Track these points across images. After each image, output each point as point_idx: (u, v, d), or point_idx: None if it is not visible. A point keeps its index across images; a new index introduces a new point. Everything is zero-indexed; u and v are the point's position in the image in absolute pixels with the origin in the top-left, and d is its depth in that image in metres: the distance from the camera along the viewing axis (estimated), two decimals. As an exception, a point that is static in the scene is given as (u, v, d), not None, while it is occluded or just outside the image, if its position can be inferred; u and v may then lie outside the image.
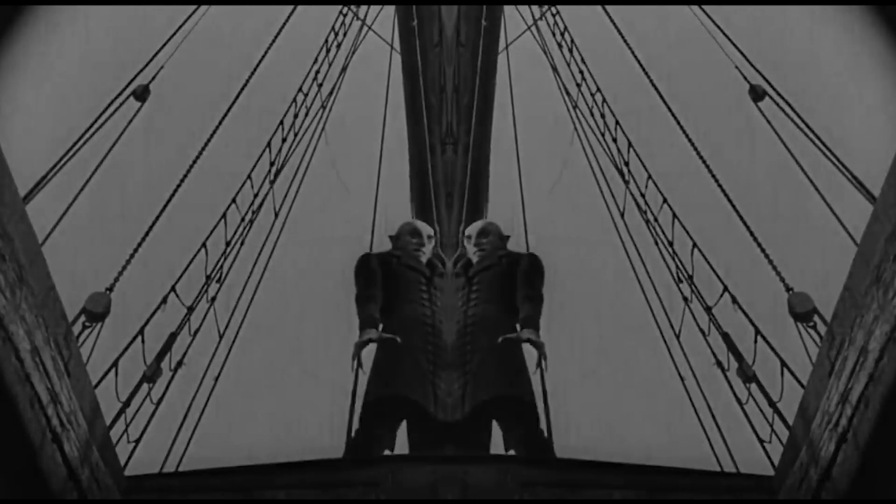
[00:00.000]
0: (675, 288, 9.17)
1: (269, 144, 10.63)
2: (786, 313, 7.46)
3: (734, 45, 10.74)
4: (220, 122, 9.73)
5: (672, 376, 8.88)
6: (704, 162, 9.02)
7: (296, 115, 11.34)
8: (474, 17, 9.96)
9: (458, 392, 6.91)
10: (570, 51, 12.20)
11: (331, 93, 12.30)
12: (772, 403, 7.27)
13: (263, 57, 10.82)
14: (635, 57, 10.66)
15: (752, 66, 10.49)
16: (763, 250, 7.96)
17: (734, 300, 8.23)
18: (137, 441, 7.05)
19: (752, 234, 8.21)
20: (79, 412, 4.74)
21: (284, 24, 11.51)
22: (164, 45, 10.67)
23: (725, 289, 8.38)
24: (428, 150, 9.98)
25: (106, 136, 9.57)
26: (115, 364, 7.07)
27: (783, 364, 7.21)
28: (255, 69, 10.62)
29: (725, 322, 8.29)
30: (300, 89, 11.64)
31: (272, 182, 10.62)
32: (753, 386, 7.64)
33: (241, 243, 9.80)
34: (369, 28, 12.68)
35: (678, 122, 9.67)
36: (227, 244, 9.38)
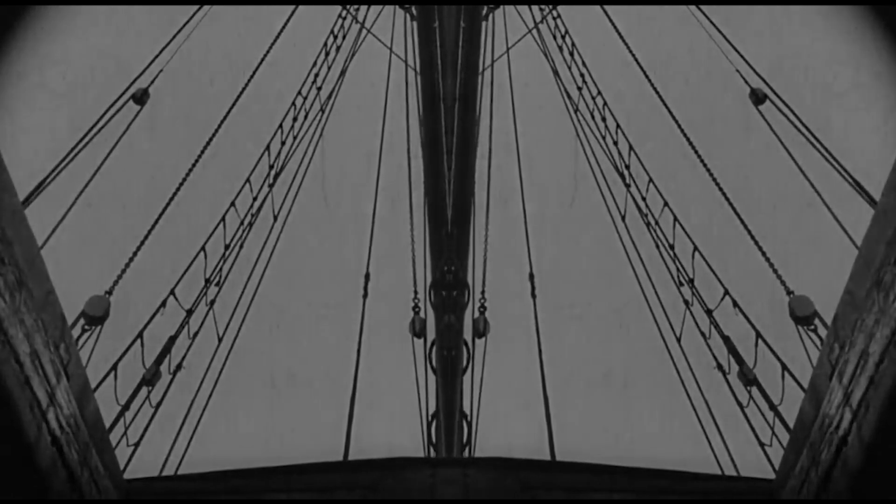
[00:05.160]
0: (676, 291, 9.17)
1: (268, 147, 10.62)
2: (786, 316, 7.46)
3: (735, 49, 10.73)
4: (219, 126, 9.72)
5: (673, 379, 8.88)
6: (705, 165, 9.02)
7: (295, 119, 11.33)
8: (455, 18, 9.85)
9: None
10: (572, 54, 12.19)
11: (330, 96, 12.29)
12: (773, 406, 7.27)
13: (263, 60, 10.81)
14: (636, 60, 10.66)
15: (753, 69, 10.49)
16: (764, 253, 7.95)
17: (735, 303, 8.23)
18: (137, 444, 7.03)
19: (752, 237, 8.20)
20: (78, 415, 4.73)
21: (283, 27, 11.50)
22: (164, 48, 10.66)
23: (726, 292, 8.37)
24: (444, 154, 9.94)
25: (106, 140, 9.56)
26: (114, 367, 7.06)
27: (784, 367, 7.21)
28: (254, 72, 10.61)
29: (726, 325, 8.28)
30: (299, 92, 11.63)
31: (271, 185, 10.61)
32: (754, 389, 7.63)
33: (241, 247, 9.79)
34: (368, 31, 12.66)
35: (678, 126, 9.67)
36: (226, 247, 9.36)
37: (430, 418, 11.54)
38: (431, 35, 9.55)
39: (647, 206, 9.88)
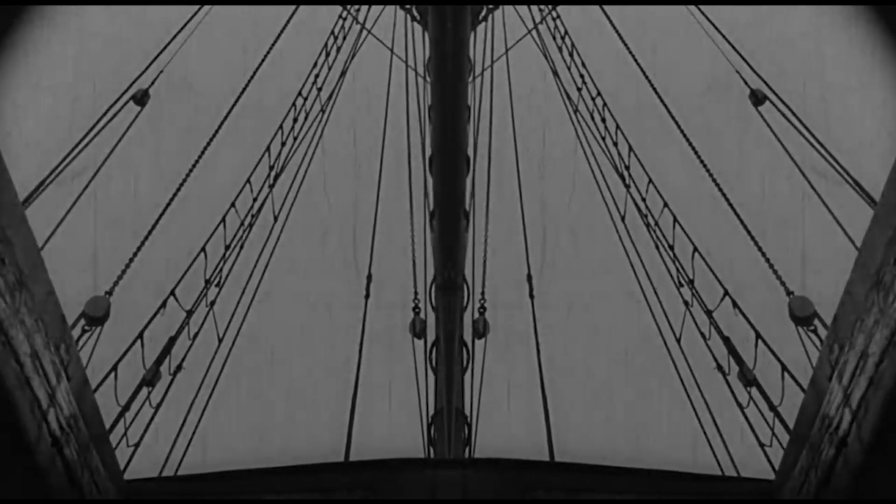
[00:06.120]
0: (676, 292, 9.17)
1: (268, 148, 10.62)
2: (786, 317, 7.46)
3: (735, 49, 10.73)
4: (219, 126, 9.72)
5: (673, 380, 8.88)
6: (705, 165, 9.02)
7: (295, 120, 11.33)
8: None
9: None
10: (571, 55, 12.18)
11: (330, 96, 12.28)
12: (772, 407, 7.27)
13: (263, 61, 10.81)
14: (636, 60, 10.65)
15: (752, 70, 10.49)
16: (763, 254, 7.96)
17: (735, 304, 8.23)
18: (137, 444, 7.03)
19: (752, 237, 8.20)
20: (78, 416, 4.73)
21: (284, 27, 11.50)
22: (164, 49, 10.66)
23: (726, 293, 8.37)
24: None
25: (106, 140, 9.57)
26: (114, 368, 7.06)
27: (784, 368, 7.21)
28: (254, 73, 10.61)
29: (726, 326, 8.28)
30: (300, 93, 11.62)
31: (271, 186, 10.60)
32: (754, 389, 7.64)
33: (241, 247, 9.79)
34: (369, 32, 12.65)
35: (678, 126, 9.66)
36: (227, 248, 9.36)
37: (430, 419, 11.55)
38: (448, 36, 9.44)
39: (646, 206, 9.88)
